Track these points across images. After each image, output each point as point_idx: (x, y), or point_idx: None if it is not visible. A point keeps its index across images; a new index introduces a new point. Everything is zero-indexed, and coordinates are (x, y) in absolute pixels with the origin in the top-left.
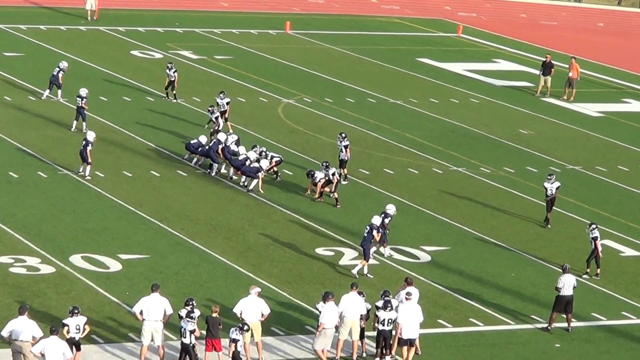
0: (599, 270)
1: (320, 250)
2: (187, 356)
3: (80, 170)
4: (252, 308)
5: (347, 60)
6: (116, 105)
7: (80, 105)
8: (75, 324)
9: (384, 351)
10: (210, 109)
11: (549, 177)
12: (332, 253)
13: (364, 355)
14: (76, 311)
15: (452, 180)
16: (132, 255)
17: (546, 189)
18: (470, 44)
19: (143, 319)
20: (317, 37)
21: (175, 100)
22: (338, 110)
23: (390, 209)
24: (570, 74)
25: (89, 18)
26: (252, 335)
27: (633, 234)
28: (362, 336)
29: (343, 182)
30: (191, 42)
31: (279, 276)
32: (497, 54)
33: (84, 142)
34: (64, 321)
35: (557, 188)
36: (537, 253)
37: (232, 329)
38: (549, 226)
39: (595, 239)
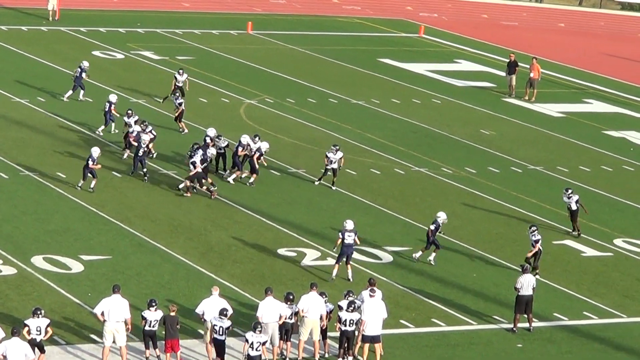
0: (537, 271)
1: (282, 251)
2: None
3: (80, 184)
4: (215, 308)
5: (309, 60)
6: (77, 105)
7: (107, 110)
8: (36, 325)
9: (347, 351)
10: (175, 95)
11: (566, 191)
12: (294, 254)
13: (326, 355)
14: (39, 312)
15: (414, 180)
16: (94, 256)
17: (566, 204)
18: (431, 45)
19: (104, 320)
20: (279, 37)
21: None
22: (300, 110)
23: (441, 216)
24: (532, 75)
25: (51, 18)
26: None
27: (594, 234)
28: (324, 336)
29: (333, 188)
30: (153, 43)
31: (241, 277)
32: (459, 54)
33: (89, 158)
34: (25, 322)
35: (576, 201)
36: (499, 253)
37: (250, 332)
38: (579, 234)
39: (537, 241)
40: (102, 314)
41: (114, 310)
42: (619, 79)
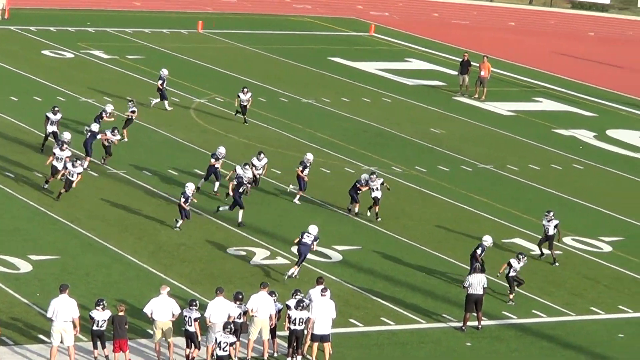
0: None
1: (231, 250)
2: None
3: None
4: (163, 308)
5: (260, 59)
6: (27, 105)
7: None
8: None
9: (296, 350)
10: (130, 104)
11: (547, 214)
12: (243, 253)
13: (276, 354)
14: None
15: None
16: (42, 256)
17: (544, 227)
18: (382, 43)
19: (52, 320)
20: (230, 36)
21: (246, 124)
22: (250, 109)
23: (487, 240)
24: (482, 73)
25: (0, 17)
26: (163, 335)
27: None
28: (273, 335)
29: (378, 219)
30: (103, 42)
31: (190, 276)
32: (410, 53)
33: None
34: None
35: (555, 226)
36: (449, 252)
37: (219, 332)
38: (556, 264)
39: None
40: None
41: (62, 310)
42: (569, 77)
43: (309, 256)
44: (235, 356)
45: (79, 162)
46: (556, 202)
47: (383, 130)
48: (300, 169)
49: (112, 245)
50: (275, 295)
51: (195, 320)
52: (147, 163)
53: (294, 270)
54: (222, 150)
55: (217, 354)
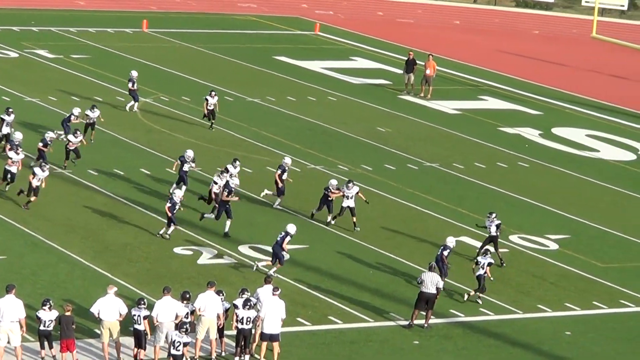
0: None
1: (178, 250)
2: None
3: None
4: (110, 307)
5: (205, 58)
6: None
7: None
8: None
9: (244, 350)
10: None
11: (490, 215)
12: (190, 252)
13: (223, 354)
14: None
15: (310, 178)
16: None
17: (487, 227)
18: (327, 42)
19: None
20: (175, 35)
21: (212, 129)
22: (196, 109)
23: (451, 241)
24: (427, 72)
25: None
26: (110, 335)
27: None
28: (221, 335)
29: (356, 229)
30: (47, 41)
31: (136, 276)
32: (355, 51)
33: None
34: None
35: (497, 226)
36: (396, 251)
37: (175, 332)
38: (504, 265)
39: (490, 264)
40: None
41: (8, 311)
42: (514, 75)
43: (257, 255)
44: (190, 356)
45: (47, 166)
46: (501, 200)
47: (329, 129)
48: (279, 172)
49: (58, 245)
50: (223, 295)
51: (144, 318)
52: (92, 162)
53: (272, 270)
54: (190, 153)
55: (171, 354)
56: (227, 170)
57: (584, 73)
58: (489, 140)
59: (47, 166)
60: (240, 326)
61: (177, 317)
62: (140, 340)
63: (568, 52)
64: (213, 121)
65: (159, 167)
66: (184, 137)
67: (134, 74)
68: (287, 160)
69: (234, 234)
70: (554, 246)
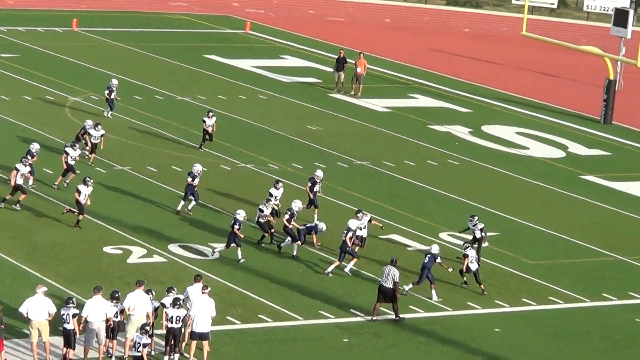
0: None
1: (108, 249)
2: None
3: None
4: (39, 307)
5: (135, 57)
6: None
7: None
8: None
9: (173, 349)
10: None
11: (472, 219)
12: (120, 251)
13: (153, 353)
14: None
15: (241, 176)
16: None
17: (471, 230)
18: (258, 41)
19: None
20: (105, 34)
21: (200, 150)
22: (126, 107)
23: (436, 249)
24: (358, 70)
25: None
26: (39, 335)
27: (419, 228)
28: (150, 334)
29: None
30: None
31: (66, 275)
32: (285, 50)
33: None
34: None
35: (481, 230)
36: (325, 249)
37: (136, 333)
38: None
39: (465, 255)
40: None
41: None
42: (445, 73)
43: (185, 253)
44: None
45: (90, 181)
46: (431, 197)
47: (259, 128)
48: (309, 185)
49: None
50: (152, 294)
51: (73, 316)
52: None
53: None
54: (198, 167)
55: (132, 355)
56: (270, 195)
57: (513, 71)
58: (419, 138)
59: (91, 181)
60: (169, 325)
61: (106, 316)
62: (69, 339)
63: (498, 50)
64: (208, 142)
65: (88, 166)
66: (113, 136)
67: (114, 82)
68: (319, 173)
69: (164, 233)
70: (483, 243)
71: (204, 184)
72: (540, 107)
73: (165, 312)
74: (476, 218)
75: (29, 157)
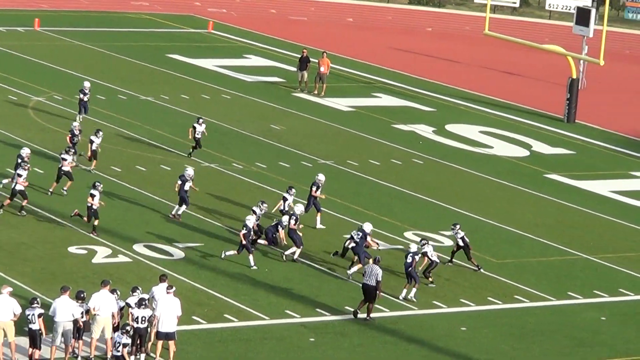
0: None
1: (72, 249)
2: None
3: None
4: (4, 308)
5: (98, 57)
6: None
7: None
8: None
9: (140, 349)
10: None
11: (454, 227)
12: (85, 251)
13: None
14: None
15: (205, 176)
16: None
17: (455, 238)
18: (220, 40)
19: None
20: (67, 34)
21: (190, 157)
22: (89, 107)
23: (413, 247)
24: (321, 69)
25: None
26: (5, 336)
27: (385, 228)
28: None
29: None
30: None
31: (31, 275)
32: (248, 49)
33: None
34: None
35: (461, 238)
36: (291, 248)
37: (116, 333)
38: (481, 270)
39: (424, 254)
40: None
41: None
42: (408, 72)
43: (150, 253)
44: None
45: (100, 185)
46: (396, 196)
47: (223, 127)
48: (314, 189)
49: None
50: (117, 293)
51: (39, 316)
52: None
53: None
54: (190, 171)
55: (113, 354)
56: (284, 200)
57: (476, 70)
58: (383, 137)
59: (101, 185)
60: (135, 325)
61: (73, 317)
62: (35, 340)
63: (461, 49)
64: (197, 149)
65: (52, 166)
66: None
67: (86, 85)
68: (321, 177)
69: (128, 233)
70: (448, 242)
71: (168, 184)
72: (504, 106)
73: (131, 313)
74: (458, 226)
75: (26, 163)
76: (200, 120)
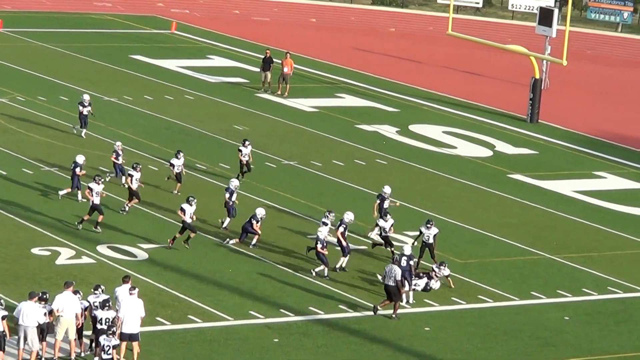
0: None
1: (36, 250)
2: None
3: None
4: None
5: (61, 58)
6: None
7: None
8: None
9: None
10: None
11: (427, 223)
12: (48, 253)
13: (83, 354)
14: None
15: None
16: None
17: (423, 234)
18: (183, 41)
19: None
20: (30, 35)
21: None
22: (52, 108)
23: (407, 249)
24: (285, 70)
25: None
26: None
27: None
28: (80, 335)
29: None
30: None
31: None
32: (211, 50)
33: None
34: None
35: (434, 235)
36: (254, 249)
37: (103, 336)
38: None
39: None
40: None
41: None
42: (371, 73)
43: (113, 254)
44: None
45: (101, 179)
46: (360, 197)
47: (186, 128)
48: (378, 202)
49: None
50: (80, 294)
51: (2, 318)
52: None
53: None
54: (236, 182)
55: (102, 357)
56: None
57: (439, 70)
58: (346, 138)
59: (102, 179)
60: (99, 327)
61: (38, 323)
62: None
63: (424, 50)
64: (247, 172)
65: (15, 167)
66: (39, 137)
67: (86, 97)
68: (387, 189)
69: (92, 234)
70: (410, 241)
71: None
72: (467, 106)
73: (94, 314)
74: (431, 223)
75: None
76: (247, 142)
